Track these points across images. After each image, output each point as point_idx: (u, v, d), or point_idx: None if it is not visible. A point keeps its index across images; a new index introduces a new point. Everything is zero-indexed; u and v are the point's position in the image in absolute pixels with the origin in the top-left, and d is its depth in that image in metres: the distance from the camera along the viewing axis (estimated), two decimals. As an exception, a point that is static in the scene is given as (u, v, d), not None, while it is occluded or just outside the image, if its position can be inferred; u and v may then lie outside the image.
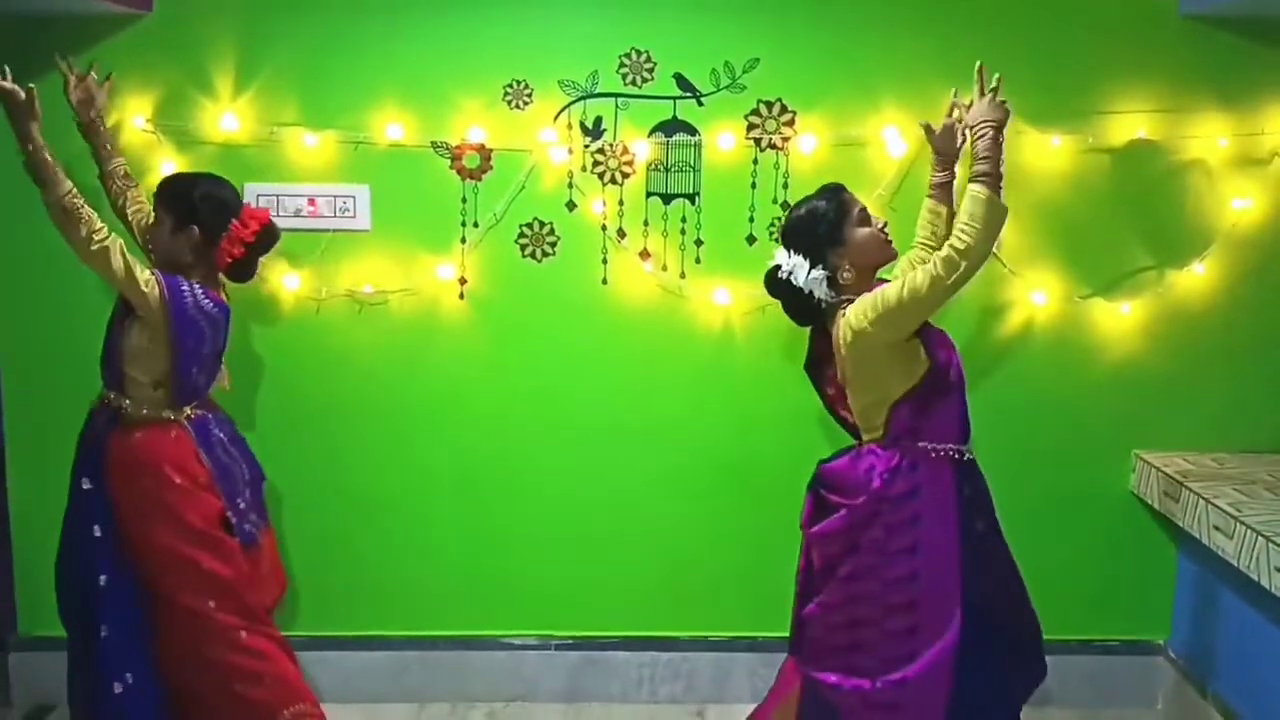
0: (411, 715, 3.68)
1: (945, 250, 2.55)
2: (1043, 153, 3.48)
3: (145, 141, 3.45)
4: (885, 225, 2.74)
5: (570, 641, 3.75)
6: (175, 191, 3.06)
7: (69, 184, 2.92)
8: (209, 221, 3.05)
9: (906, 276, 2.58)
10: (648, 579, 3.70)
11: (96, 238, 2.91)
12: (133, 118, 3.44)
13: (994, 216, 2.55)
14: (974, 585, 2.68)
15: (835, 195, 2.75)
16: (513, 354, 3.59)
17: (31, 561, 3.64)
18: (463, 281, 3.54)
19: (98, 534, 3.02)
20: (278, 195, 3.48)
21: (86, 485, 3.06)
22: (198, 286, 3.03)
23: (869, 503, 2.67)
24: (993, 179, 2.57)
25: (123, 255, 2.94)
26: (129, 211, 3.26)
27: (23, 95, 2.89)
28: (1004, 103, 2.67)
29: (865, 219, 2.73)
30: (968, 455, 2.76)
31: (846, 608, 2.71)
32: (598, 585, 3.71)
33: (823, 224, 2.71)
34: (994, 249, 2.63)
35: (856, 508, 2.68)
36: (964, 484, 2.73)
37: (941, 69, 3.45)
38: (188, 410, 3.09)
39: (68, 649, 3.13)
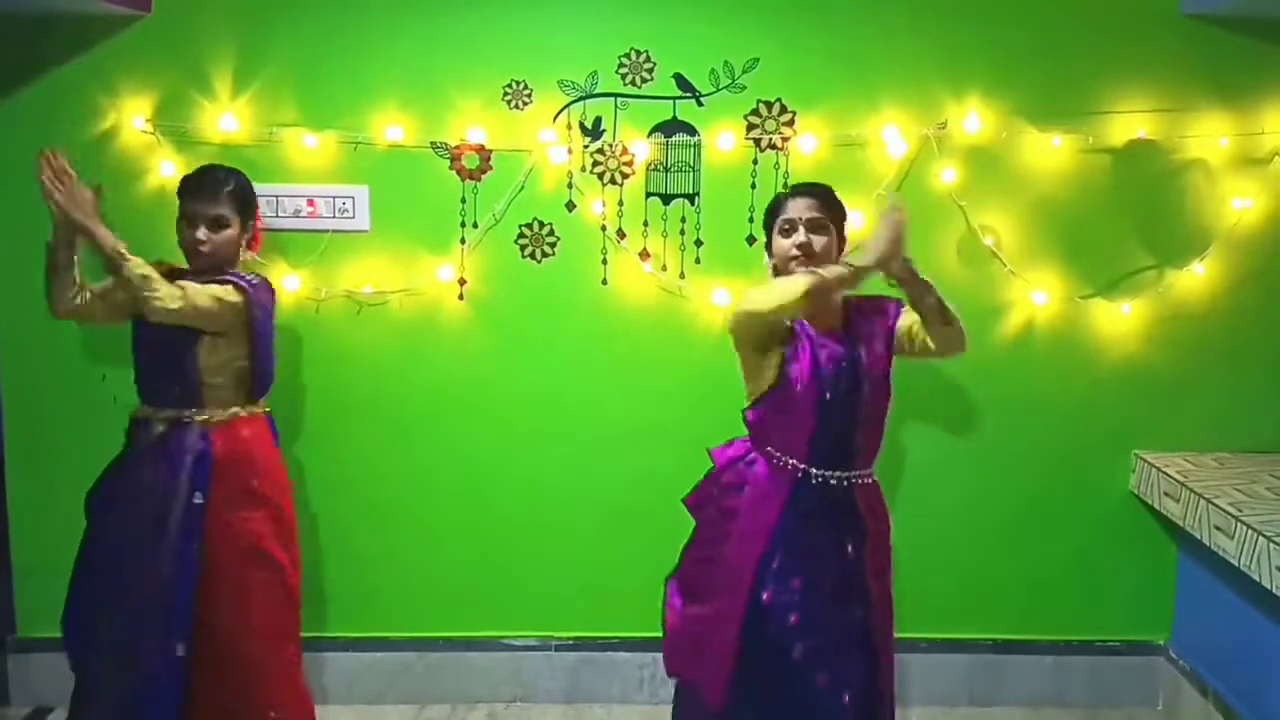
0: (411, 716, 3.67)
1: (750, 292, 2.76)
2: (1043, 152, 3.48)
3: (144, 142, 3.45)
4: (802, 244, 2.76)
5: (570, 642, 3.74)
6: (242, 190, 3.06)
7: (126, 251, 2.91)
8: (253, 212, 3.13)
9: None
10: (648, 579, 3.67)
11: (175, 292, 2.89)
12: (132, 118, 3.43)
13: (787, 292, 2.63)
14: (761, 610, 2.72)
15: (777, 200, 2.85)
16: (513, 355, 3.59)
17: (30, 563, 3.64)
18: (462, 282, 3.54)
19: (194, 553, 2.96)
20: (277, 196, 3.47)
21: (199, 500, 2.96)
22: (251, 276, 3.08)
23: (707, 482, 2.93)
24: (818, 275, 2.63)
25: (203, 288, 2.94)
26: (87, 295, 3.07)
27: (90, 194, 2.91)
28: (892, 248, 2.66)
29: (787, 229, 2.80)
30: (818, 477, 2.75)
31: (690, 567, 2.96)
32: (597, 586, 3.70)
33: (766, 216, 2.89)
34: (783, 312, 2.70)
35: (703, 482, 2.94)
36: (801, 503, 2.74)
37: (942, 69, 3.46)
38: (263, 402, 3.15)
39: (90, 667, 3.06)
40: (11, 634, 3.69)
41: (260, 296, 3.05)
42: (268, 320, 3.09)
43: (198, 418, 3.01)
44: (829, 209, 2.82)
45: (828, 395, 2.72)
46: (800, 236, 2.77)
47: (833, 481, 2.76)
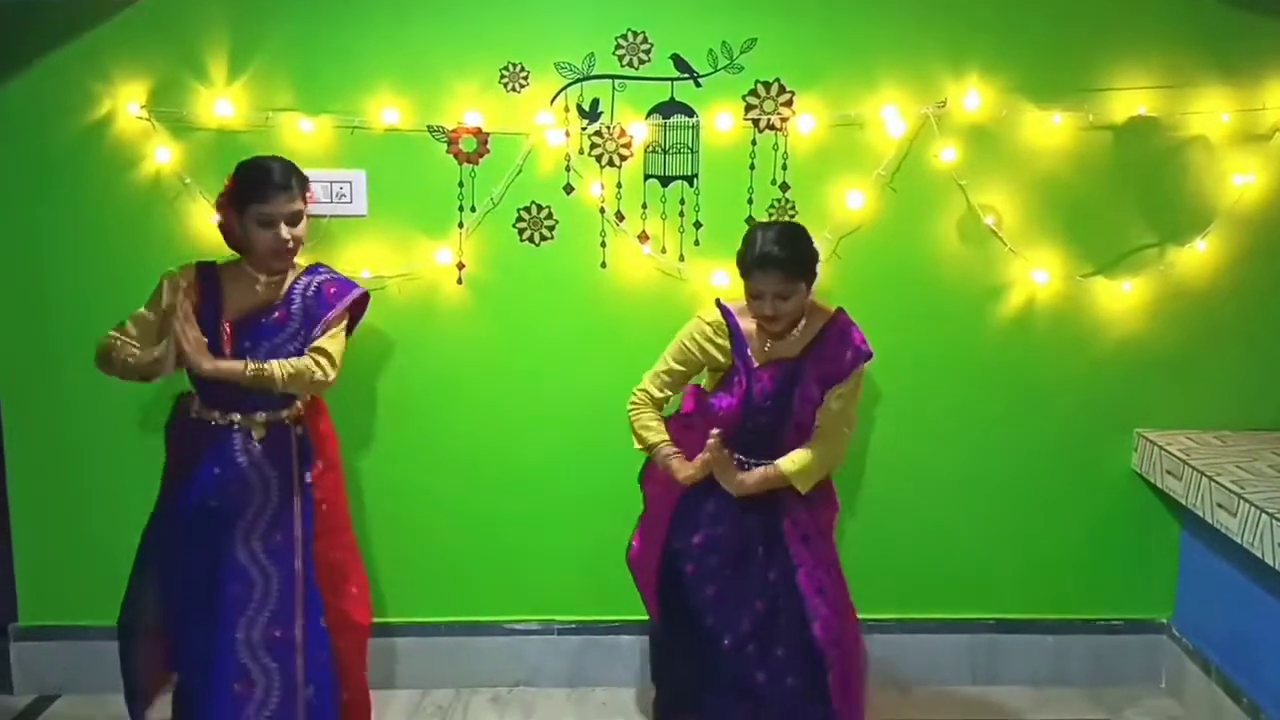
0: (415, 701, 3.68)
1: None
2: (1043, 130, 3.47)
3: (139, 128, 3.43)
4: (770, 317, 2.93)
5: (573, 626, 3.75)
6: (300, 173, 3.02)
7: (269, 362, 2.91)
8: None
9: (670, 368, 3.13)
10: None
11: (327, 364, 2.97)
12: (126, 104, 3.41)
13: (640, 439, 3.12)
14: (670, 557, 3.10)
15: (750, 264, 2.94)
16: (512, 338, 3.58)
17: (32, 551, 3.64)
18: (461, 266, 3.53)
19: (311, 532, 3.04)
20: (274, 181, 3.45)
21: (310, 478, 3.05)
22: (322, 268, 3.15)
23: (676, 416, 3.21)
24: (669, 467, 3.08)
25: (337, 339, 3.02)
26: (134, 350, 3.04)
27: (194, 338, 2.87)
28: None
29: (758, 295, 2.93)
30: (735, 458, 3.05)
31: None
32: (599, 570, 3.70)
33: (738, 256, 3.02)
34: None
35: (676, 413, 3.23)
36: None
37: (941, 47, 3.44)
38: None
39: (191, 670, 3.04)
40: (14, 622, 3.69)
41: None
42: None
43: (290, 412, 3.05)
44: (797, 273, 2.92)
45: (748, 425, 3.01)
46: (767, 309, 2.92)
47: (747, 465, 3.05)
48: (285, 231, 2.94)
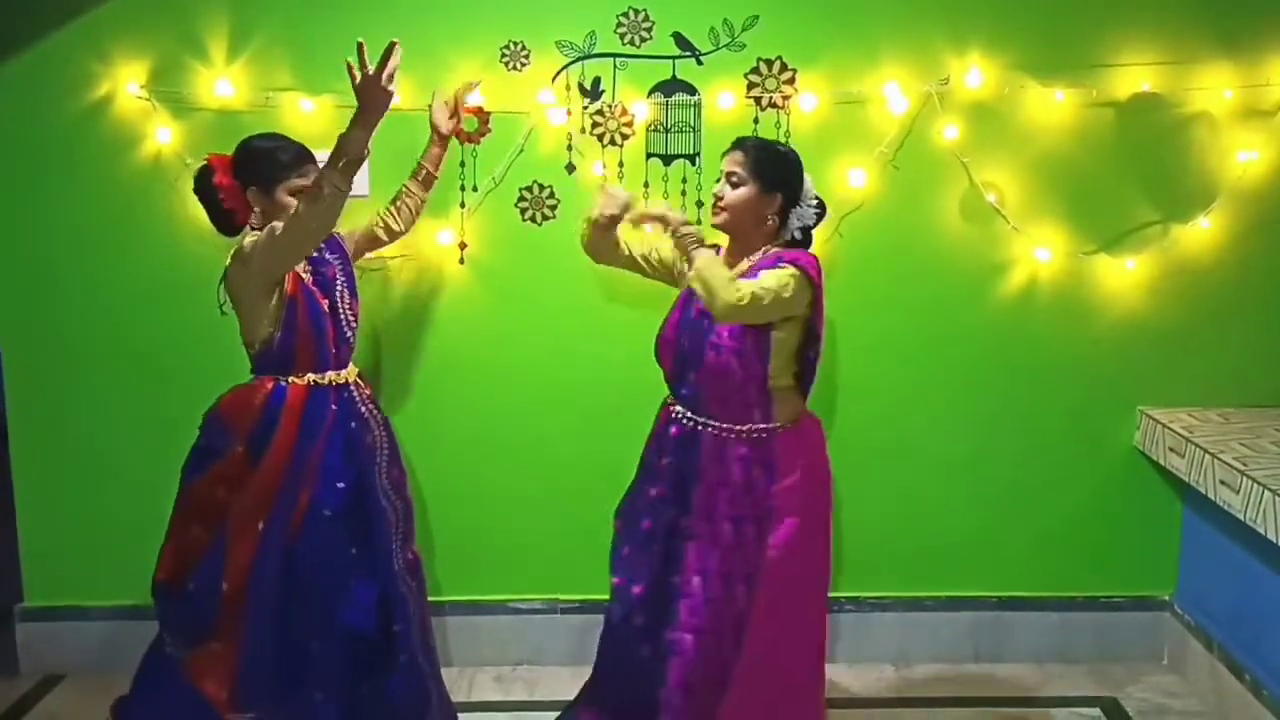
0: (419, 680, 3.69)
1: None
2: (1046, 107, 3.45)
3: (139, 109, 3.42)
4: (715, 195, 2.86)
5: (577, 605, 3.75)
6: None
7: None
8: None
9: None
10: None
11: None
12: (126, 85, 3.40)
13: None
14: None
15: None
16: (514, 318, 3.58)
17: (37, 532, 3.65)
18: (463, 246, 3.52)
19: (404, 464, 3.26)
20: (275, 161, 3.45)
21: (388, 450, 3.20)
22: None
23: None
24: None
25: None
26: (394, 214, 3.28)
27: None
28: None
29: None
30: (673, 409, 2.97)
31: None
32: (603, 549, 3.67)
33: None
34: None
35: None
36: (658, 424, 3.03)
37: (943, 24, 3.43)
38: None
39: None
40: (20, 603, 3.70)
41: None
42: None
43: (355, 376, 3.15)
44: (756, 165, 2.81)
45: (683, 342, 2.89)
46: (717, 189, 2.86)
47: (684, 420, 2.91)
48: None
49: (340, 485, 3.00)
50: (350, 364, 3.12)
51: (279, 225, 2.81)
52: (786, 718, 2.91)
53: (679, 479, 2.89)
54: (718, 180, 2.85)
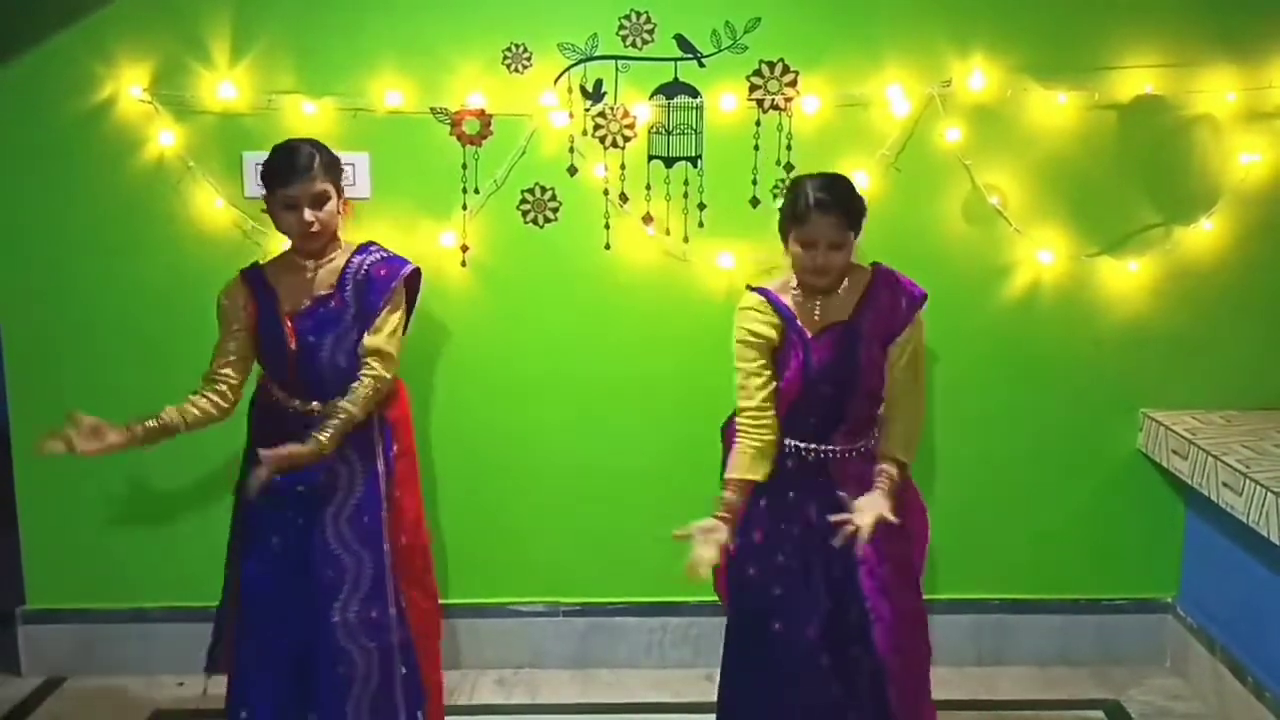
0: (421, 683, 3.69)
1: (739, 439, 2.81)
2: (1048, 110, 3.45)
3: (142, 111, 3.42)
4: (821, 269, 2.74)
5: (578, 608, 3.75)
6: (330, 157, 2.94)
7: (346, 406, 2.88)
8: (341, 176, 3.03)
9: (741, 375, 2.83)
10: (655, 544, 3.67)
11: (384, 372, 2.94)
12: (129, 87, 3.41)
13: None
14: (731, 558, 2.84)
15: (804, 208, 2.72)
16: (516, 321, 3.58)
17: (39, 534, 3.65)
18: (464, 249, 3.52)
19: (384, 516, 3.05)
20: (277, 164, 3.45)
21: (391, 461, 3.06)
22: (374, 246, 3.08)
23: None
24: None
25: (392, 333, 2.98)
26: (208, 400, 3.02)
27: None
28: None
29: (809, 243, 2.72)
30: (790, 446, 2.85)
31: None
32: (605, 551, 3.71)
33: (783, 212, 2.80)
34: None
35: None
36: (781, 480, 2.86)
37: (945, 26, 3.43)
38: None
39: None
40: (22, 605, 3.71)
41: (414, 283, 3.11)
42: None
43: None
44: (850, 220, 2.74)
45: (810, 396, 2.80)
46: (819, 258, 2.74)
47: (804, 452, 2.84)
48: (308, 214, 2.88)
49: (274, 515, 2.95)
50: (333, 398, 2.94)
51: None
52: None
53: (806, 506, 2.84)
54: (804, 245, 2.72)
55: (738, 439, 2.81)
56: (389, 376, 2.96)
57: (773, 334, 2.81)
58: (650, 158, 3.51)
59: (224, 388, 2.98)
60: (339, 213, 2.97)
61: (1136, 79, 3.45)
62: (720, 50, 3.44)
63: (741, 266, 3.50)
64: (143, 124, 3.43)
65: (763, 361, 2.81)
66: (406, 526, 3.08)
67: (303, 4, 3.40)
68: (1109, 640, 3.76)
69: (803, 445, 2.84)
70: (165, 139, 3.42)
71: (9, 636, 3.72)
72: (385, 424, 3.05)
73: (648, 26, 3.43)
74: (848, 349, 2.79)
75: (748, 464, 2.78)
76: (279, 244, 3.46)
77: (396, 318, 2.99)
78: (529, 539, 3.71)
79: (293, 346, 2.94)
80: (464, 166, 3.48)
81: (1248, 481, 3.02)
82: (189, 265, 3.49)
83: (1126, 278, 3.54)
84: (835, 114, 3.45)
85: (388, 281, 2.98)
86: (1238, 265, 3.54)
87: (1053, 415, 3.64)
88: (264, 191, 2.93)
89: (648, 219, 3.52)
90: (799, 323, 2.81)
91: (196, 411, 2.96)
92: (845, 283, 2.82)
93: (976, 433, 3.65)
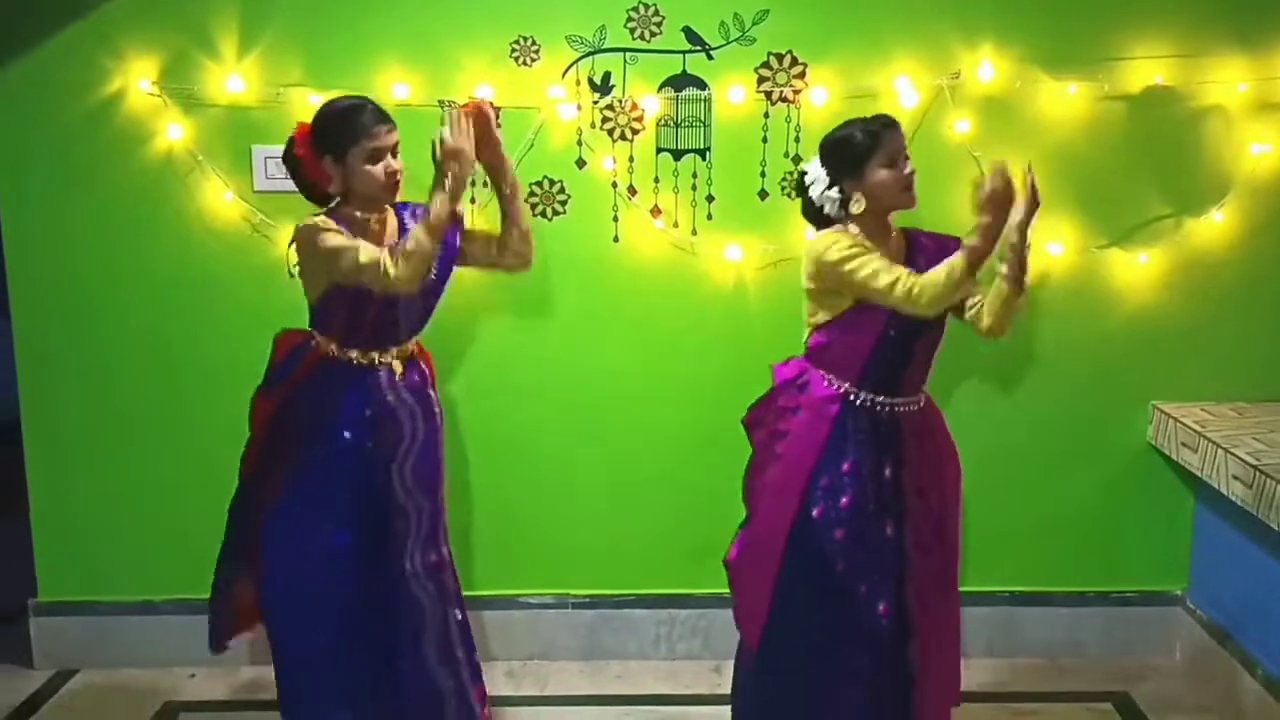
0: (431, 675, 3.70)
1: (916, 285, 2.65)
2: (1058, 101, 3.44)
3: (151, 105, 3.42)
4: (912, 173, 2.78)
5: (587, 600, 3.76)
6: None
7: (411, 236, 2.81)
8: None
9: (875, 266, 2.69)
10: (663, 536, 3.70)
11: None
12: (137, 81, 3.41)
13: (951, 288, 2.64)
14: (809, 527, 2.82)
15: (874, 130, 2.78)
16: (524, 313, 3.58)
17: (51, 526, 3.66)
18: (473, 241, 3.52)
19: (439, 460, 3.13)
20: (285, 157, 3.45)
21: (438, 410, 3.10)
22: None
23: (764, 403, 2.96)
24: (980, 255, 2.62)
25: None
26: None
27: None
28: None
29: (892, 161, 2.76)
30: (865, 400, 2.84)
31: (746, 497, 3.00)
32: (613, 543, 3.71)
33: (849, 154, 2.80)
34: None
35: (760, 402, 2.97)
36: (849, 423, 2.84)
37: (954, 17, 3.42)
38: None
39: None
40: (33, 598, 3.72)
41: None
42: None
43: (414, 346, 3.05)
44: None
45: (891, 332, 2.79)
46: (907, 168, 2.79)
47: (878, 407, 2.85)
48: (395, 163, 2.86)
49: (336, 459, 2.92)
50: (396, 347, 2.96)
51: (368, 260, 2.74)
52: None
53: (865, 455, 2.85)
54: (890, 164, 2.75)
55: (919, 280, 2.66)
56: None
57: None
58: (658, 150, 3.50)
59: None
60: None
61: (1147, 70, 3.43)
62: (728, 42, 3.44)
63: (750, 259, 3.50)
64: (151, 117, 3.44)
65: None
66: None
67: (310, -4, 3.41)
68: (1118, 633, 3.76)
69: (877, 399, 2.84)
70: (174, 132, 3.42)
71: (20, 629, 3.73)
72: (429, 373, 3.09)
73: (656, 19, 3.42)
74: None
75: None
76: (289, 238, 3.48)
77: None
78: (537, 531, 3.72)
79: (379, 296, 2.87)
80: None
81: (1258, 474, 3.01)
82: (198, 258, 3.50)
83: (1136, 270, 3.54)
84: (844, 106, 3.44)
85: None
86: (1248, 257, 3.53)
87: (1062, 407, 3.63)
88: (330, 153, 2.83)
89: (656, 211, 3.52)
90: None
91: None
92: (891, 225, 2.87)
93: (985, 425, 3.64)
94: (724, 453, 3.56)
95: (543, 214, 3.52)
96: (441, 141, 2.77)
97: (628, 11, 3.41)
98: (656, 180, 3.51)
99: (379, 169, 2.84)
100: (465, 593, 3.69)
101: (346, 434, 2.90)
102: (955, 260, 2.62)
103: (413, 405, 3.00)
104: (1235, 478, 3.14)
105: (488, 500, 3.69)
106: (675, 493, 3.67)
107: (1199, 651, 3.63)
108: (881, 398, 2.84)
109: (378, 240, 2.89)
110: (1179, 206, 3.52)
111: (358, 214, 2.90)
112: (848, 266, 2.71)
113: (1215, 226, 3.51)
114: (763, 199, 3.49)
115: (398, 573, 2.99)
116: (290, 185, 3.44)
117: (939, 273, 2.64)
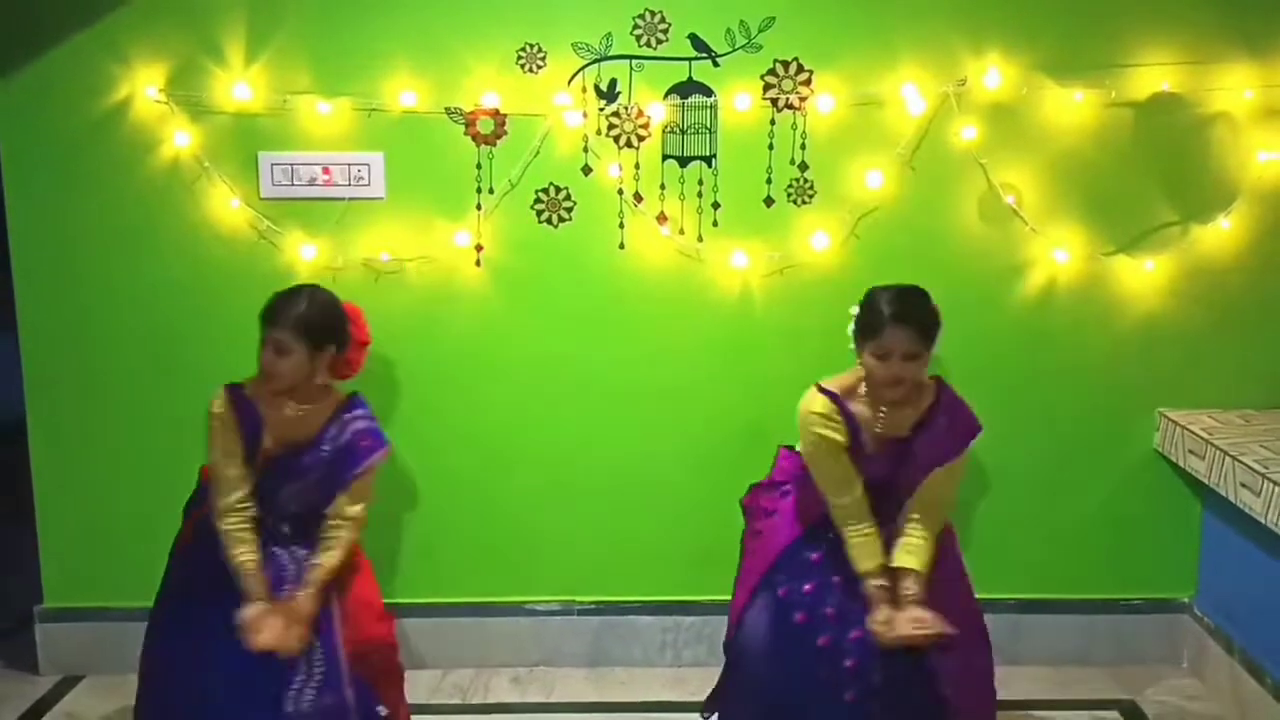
0: (435, 681, 3.70)
1: (842, 524, 2.91)
2: (1064, 107, 3.43)
3: (158, 112, 3.43)
4: (898, 377, 2.81)
5: (592, 606, 3.76)
6: (305, 317, 2.95)
7: (319, 570, 2.97)
8: (341, 335, 3.08)
9: (824, 478, 2.92)
10: (669, 543, 3.70)
11: (353, 533, 3.05)
12: (145, 88, 3.41)
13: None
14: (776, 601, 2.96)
15: (883, 317, 2.80)
16: (530, 320, 3.58)
17: (56, 533, 3.66)
18: (479, 248, 3.52)
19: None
20: (292, 164, 3.46)
21: None
22: (360, 409, 3.11)
23: (758, 488, 3.22)
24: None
25: (364, 501, 3.06)
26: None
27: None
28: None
29: (883, 355, 2.79)
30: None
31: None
32: (619, 550, 3.71)
33: (860, 318, 2.90)
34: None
35: (754, 488, 3.22)
36: (819, 531, 2.98)
37: (961, 24, 3.41)
38: None
39: None
40: (39, 604, 3.72)
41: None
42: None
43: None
44: (928, 334, 2.81)
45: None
46: (895, 369, 2.80)
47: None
48: (267, 356, 2.95)
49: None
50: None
51: (213, 484, 3.02)
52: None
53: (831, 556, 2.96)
54: (879, 355, 2.80)
55: (849, 531, 2.89)
56: (357, 533, 3.07)
57: (841, 439, 2.89)
58: (665, 157, 3.50)
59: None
60: (312, 371, 2.98)
61: (1153, 76, 3.43)
62: (734, 49, 3.44)
63: (756, 266, 3.50)
64: (158, 124, 3.44)
65: (842, 459, 2.90)
66: (367, 619, 3.06)
67: (317, 4, 3.40)
68: (1125, 640, 3.74)
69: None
70: (181, 139, 3.43)
71: (26, 635, 3.74)
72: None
73: (662, 26, 3.42)
74: (898, 466, 2.89)
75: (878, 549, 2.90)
76: (295, 245, 3.49)
77: (372, 488, 3.09)
78: (543, 537, 3.71)
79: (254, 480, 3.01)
80: (478, 166, 3.48)
81: (1266, 482, 3.00)
82: (205, 265, 3.50)
83: (1143, 276, 3.53)
84: (850, 113, 3.44)
85: (366, 455, 3.06)
86: (1255, 264, 3.52)
87: (1068, 415, 3.63)
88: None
89: (662, 218, 3.51)
90: (864, 438, 2.89)
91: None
92: (914, 407, 2.91)
93: (991, 432, 3.58)
94: (730, 460, 3.58)
95: (548, 221, 3.52)
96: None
97: (634, 19, 3.42)
98: (662, 187, 3.51)
99: (265, 353, 2.97)
100: (471, 599, 3.73)
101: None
102: (864, 565, 2.86)
103: (299, 553, 3.05)
104: (1243, 485, 3.13)
105: (493, 507, 3.68)
106: (681, 499, 3.67)
107: (1207, 659, 3.62)
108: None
109: (289, 430, 3.02)
110: (1186, 213, 3.51)
111: (269, 394, 3.02)
112: (804, 454, 2.96)
113: (1222, 233, 3.50)
114: (768, 206, 3.49)
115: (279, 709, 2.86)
116: (297, 192, 3.48)
117: (852, 545, 2.88)
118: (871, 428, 2.90)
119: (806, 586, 2.91)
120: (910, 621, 2.80)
